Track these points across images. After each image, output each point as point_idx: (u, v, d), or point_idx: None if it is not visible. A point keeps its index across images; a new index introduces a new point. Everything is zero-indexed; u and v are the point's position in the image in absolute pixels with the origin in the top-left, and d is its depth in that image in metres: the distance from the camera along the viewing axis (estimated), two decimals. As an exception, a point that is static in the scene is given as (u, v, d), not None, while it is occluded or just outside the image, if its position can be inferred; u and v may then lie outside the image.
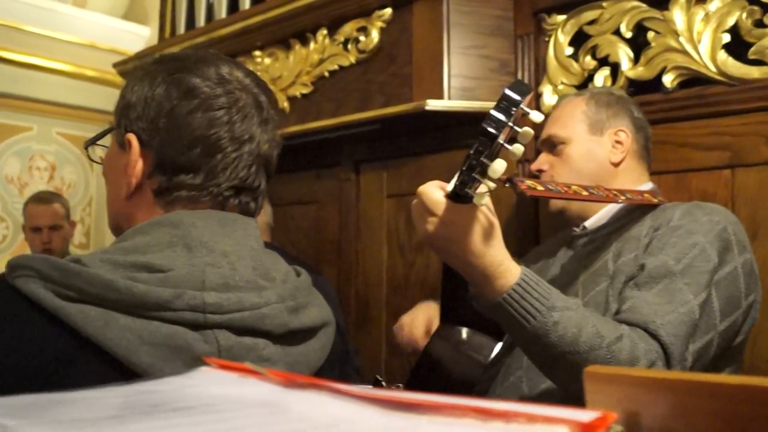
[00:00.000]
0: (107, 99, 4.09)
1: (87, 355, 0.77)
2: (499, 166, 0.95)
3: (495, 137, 0.93)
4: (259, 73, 0.97)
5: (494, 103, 0.95)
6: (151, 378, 0.79)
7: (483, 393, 1.48)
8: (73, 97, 3.96)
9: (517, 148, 0.97)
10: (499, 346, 1.50)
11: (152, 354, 0.78)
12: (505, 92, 0.96)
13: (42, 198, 2.93)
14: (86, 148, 1.13)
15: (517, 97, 0.95)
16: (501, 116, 0.94)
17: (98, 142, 1.11)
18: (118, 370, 0.77)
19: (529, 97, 0.97)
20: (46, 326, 0.78)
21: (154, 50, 2.89)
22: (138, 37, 4.02)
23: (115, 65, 3.08)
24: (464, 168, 0.98)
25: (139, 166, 0.92)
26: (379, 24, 2.27)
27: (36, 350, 0.77)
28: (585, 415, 0.34)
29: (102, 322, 0.77)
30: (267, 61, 2.62)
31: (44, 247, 2.79)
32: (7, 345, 0.77)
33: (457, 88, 2.12)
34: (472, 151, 0.95)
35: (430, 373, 1.53)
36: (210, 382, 0.62)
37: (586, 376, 0.44)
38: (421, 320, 1.70)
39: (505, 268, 1.10)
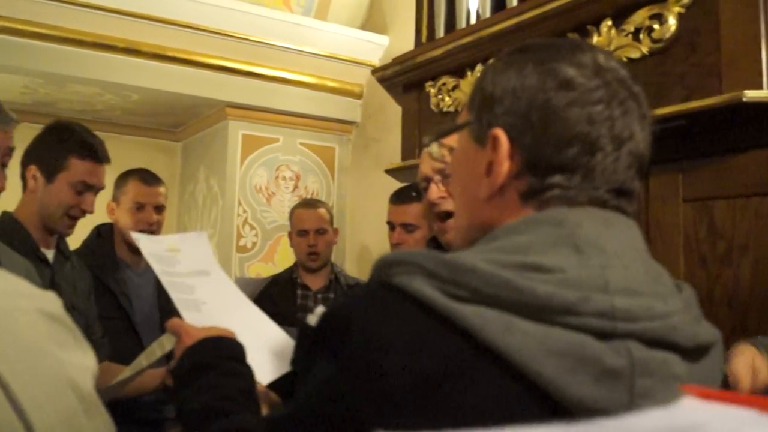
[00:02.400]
0: (346, 109, 4.20)
1: (481, 362, 0.69)
2: None
3: None
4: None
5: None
6: (576, 403, 0.66)
7: None
8: (314, 107, 4.10)
9: None
10: None
11: (557, 365, 0.67)
12: None
13: (309, 203, 3.05)
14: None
15: None
16: None
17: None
18: (518, 382, 0.68)
19: None
20: (437, 329, 0.70)
21: (415, 54, 2.88)
22: (376, 46, 4.08)
23: (374, 72, 3.12)
24: None
25: (505, 165, 0.81)
26: (677, 9, 2.05)
27: (427, 357, 0.69)
28: None
29: (501, 326, 0.68)
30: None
31: (310, 251, 2.88)
32: (396, 352, 0.69)
33: (780, 75, 1.84)
34: None
35: None
36: (729, 421, 0.48)
37: None
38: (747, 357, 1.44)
39: None
